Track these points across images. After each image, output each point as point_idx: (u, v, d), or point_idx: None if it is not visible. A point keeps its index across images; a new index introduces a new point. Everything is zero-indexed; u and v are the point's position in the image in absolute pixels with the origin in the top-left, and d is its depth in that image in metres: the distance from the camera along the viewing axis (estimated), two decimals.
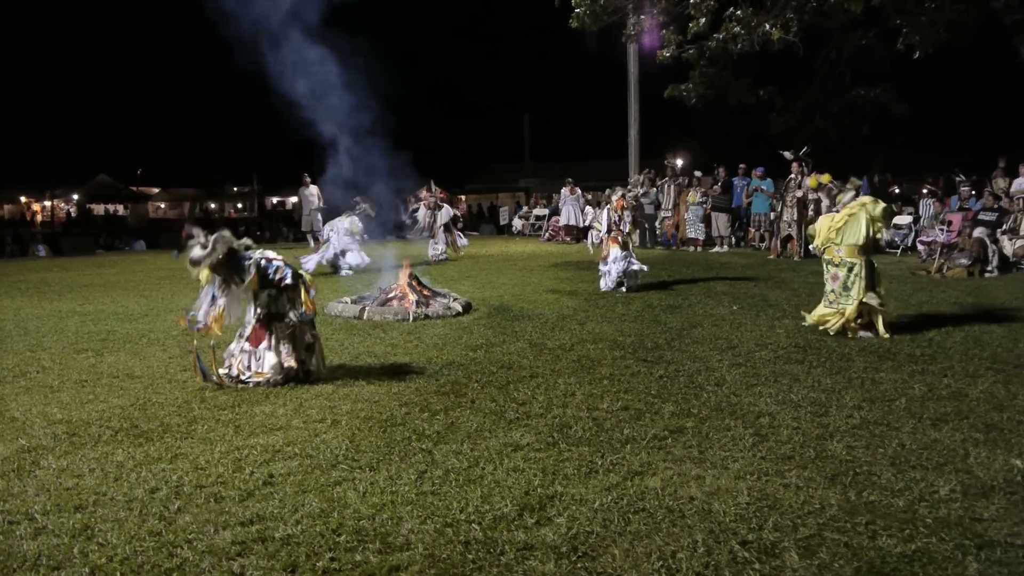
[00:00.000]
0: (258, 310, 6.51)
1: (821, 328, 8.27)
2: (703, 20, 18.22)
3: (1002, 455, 4.57)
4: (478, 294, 11.54)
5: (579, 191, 24.96)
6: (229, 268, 6.43)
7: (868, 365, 6.83)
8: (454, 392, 6.16)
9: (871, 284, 8.14)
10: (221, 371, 6.51)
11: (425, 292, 10.25)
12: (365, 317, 9.59)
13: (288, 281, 6.49)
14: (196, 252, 6.30)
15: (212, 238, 6.30)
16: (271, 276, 6.44)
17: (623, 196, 11.84)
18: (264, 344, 6.49)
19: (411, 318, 9.42)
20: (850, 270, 8.13)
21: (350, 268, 15.26)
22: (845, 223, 8.19)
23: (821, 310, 8.37)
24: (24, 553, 3.49)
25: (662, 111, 24.00)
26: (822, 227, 8.42)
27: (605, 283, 11.74)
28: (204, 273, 6.48)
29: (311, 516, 3.85)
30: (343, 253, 15.45)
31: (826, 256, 8.40)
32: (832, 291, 8.30)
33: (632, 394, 6.02)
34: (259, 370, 6.47)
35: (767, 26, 17.11)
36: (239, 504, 4.02)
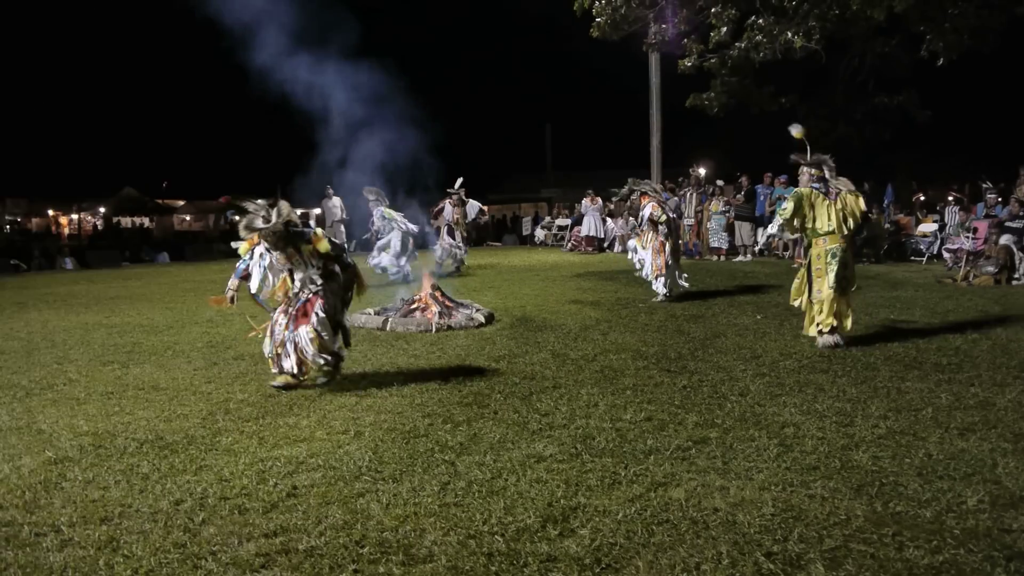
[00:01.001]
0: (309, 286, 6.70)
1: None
2: (724, 29, 18.22)
3: None
4: (500, 304, 11.54)
5: (600, 201, 24.92)
6: (287, 240, 6.54)
7: (894, 374, 6.77)
8: (477, 403, 6.16)
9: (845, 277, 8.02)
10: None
11: (448, 303, 10.27)
12: (388, 328, 9.62)
13: (350, 261, 6.83)
14: (258, 222, 6.43)
15: (275, 209, 6.45)
16: (338, 252, 6.71)
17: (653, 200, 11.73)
18: (305, 327, 6.61)
19: (434, 329, 9.44)
20: (833, 256, 7.98)
21: (384, 269, 15.16)
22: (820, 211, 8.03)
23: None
24: (50, 565, 3.52)
25: (684, 120, 23.95)
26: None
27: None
28: (244, 246, 6.76)
29: (334, 528, 3.85)
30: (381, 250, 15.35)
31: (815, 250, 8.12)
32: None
33: (655, 404, 5.99)
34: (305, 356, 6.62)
35: (789, 34, 17.08)
36: (263, 516, 4.03)
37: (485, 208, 18.03)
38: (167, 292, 15.06)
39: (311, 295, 6.69)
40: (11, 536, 3.84)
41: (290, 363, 6.64)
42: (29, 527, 3.93)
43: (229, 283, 7.00)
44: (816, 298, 8.04)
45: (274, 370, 6.78)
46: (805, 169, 8.27)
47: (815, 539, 3.62)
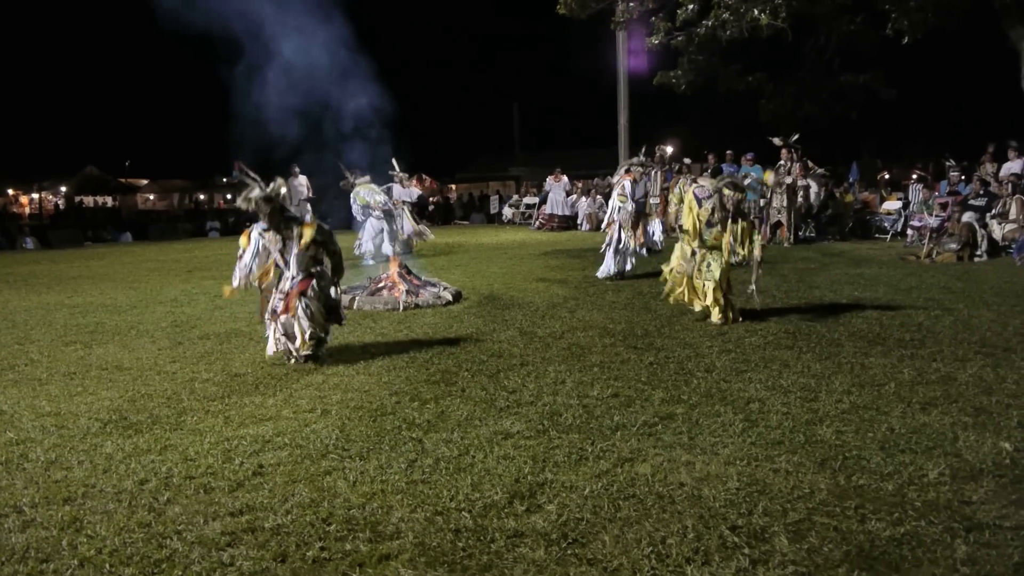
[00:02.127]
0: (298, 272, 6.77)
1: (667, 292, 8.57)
2: (692, 7, 18.22)
3: (991, 438, 4.58)
4: (468, 283, 11.52)
5: (564, 179, 24.88)
6: (281, 216, 6.71)
7: (858, 350, 6.85)
8: (444, 381, 6.15)
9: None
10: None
11: (415, 281, 10.23)
12: (355, 307, 9.57)
13: (338, 248, 6.92)
14: (255, 191, 6.57)
15: (272, 184, 6.65)
16: (325, 237, 6.77)
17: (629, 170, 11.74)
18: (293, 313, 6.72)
19: (401, 307, 9.41)
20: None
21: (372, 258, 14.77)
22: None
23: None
24: (12, 546, 3.47)
25: (651, 99, 23.99)
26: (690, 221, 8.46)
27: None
28: (243, 239, 6.85)
29: (301, 506, 3.84)
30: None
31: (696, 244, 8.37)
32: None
33: (622, 381, 6.02)
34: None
35: (756, 12, 17.10)
36: (229, 495, 4.00)
37: (418, 191, 17.32)
38: (130, 272, 14.89)
39: (303, 278, 6.73)
40: None
41: (297, 341, 6.75)
42: None
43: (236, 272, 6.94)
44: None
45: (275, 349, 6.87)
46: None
47: (779, 512, 3.65)
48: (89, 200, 47.17)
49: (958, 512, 3.62)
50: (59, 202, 45.80)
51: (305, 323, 6.70)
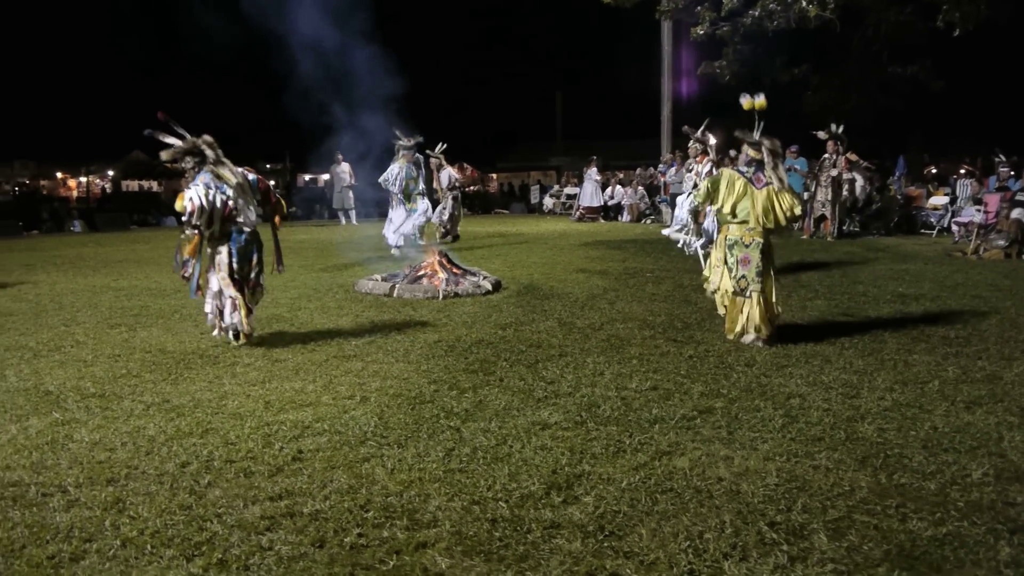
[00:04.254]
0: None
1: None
2: None
3: None
4: (508, 273, 11.53)
5: (593, 169, 24.54)
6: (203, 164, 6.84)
7: (901, 347, 6.75)
8: (483, 370, 6.16)
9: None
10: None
11: (455, 270, 10.25)
12: (395, 295, 9.62)
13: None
14: (179, 143, 6.81)
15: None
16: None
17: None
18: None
19: (440, 296, 9.44)
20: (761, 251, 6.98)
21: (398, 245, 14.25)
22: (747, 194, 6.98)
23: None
24: (57, 525, 3.54)
25: (695, 89, 23.80)
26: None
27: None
28: (189, 248, 6.98)
29: (339, 492, 3.87)
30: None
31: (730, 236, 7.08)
32: (744, 276, 6.97)
33: (661, 374, 5.99)
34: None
35: (804, 2, 16.89)
36: (268, 479, 4.05)
37: (458, 178, 16.54)
38: (174, 256, 15.05)
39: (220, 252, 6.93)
40: (18, 496, 3.87)
41: (236, 317, 6.93)
42: (36, 487, 3.96)
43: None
44: (709, 290, 7.30)
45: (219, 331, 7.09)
46: (745, 148, 7.17)
47: (819, 510, 3.62)
48: (134, 184, 47.81)
49: (1002, 513, 3.57)
50: (106, 186, 46.49)
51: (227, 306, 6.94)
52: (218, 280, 6.89)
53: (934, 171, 24.50)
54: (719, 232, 7.31)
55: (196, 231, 6.82)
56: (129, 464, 4.27)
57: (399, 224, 14.27)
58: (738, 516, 3.56)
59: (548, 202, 29.99)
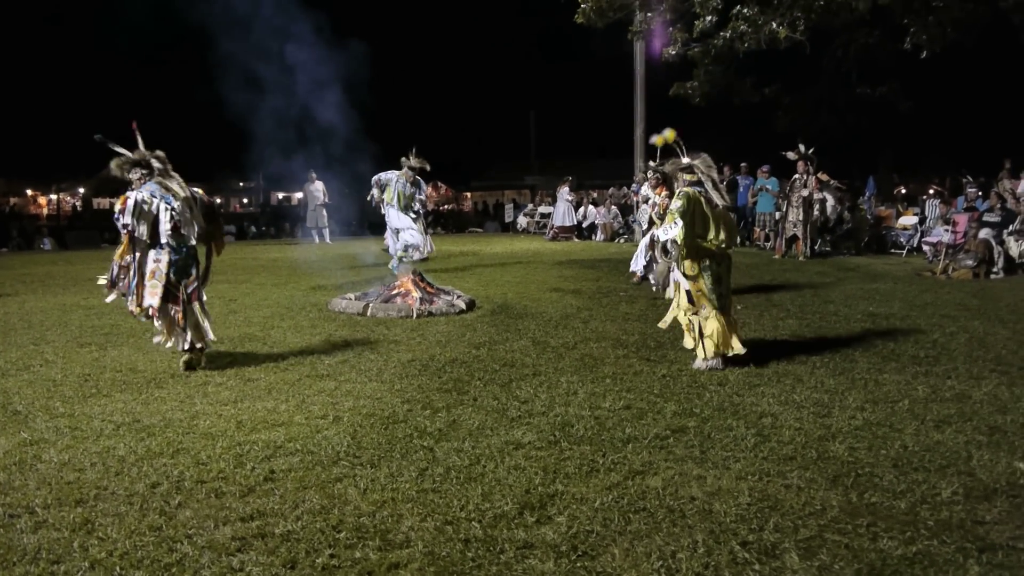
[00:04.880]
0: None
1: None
2: (710, 18, 18.20)
3: (1005, 458, 4.55)
4: (482, 292, 11.53)
5: (565, 188, 24.75)
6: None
7: (871, 366, 6.82)
8: (456, 389, 6.16)
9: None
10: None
11: (429, 289, 10.24)
12: (369, 314, 9.59)
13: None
14: (126, 156, 6.87)
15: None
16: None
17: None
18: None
19: (414, 315, 9.42)
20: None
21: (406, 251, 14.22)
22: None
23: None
24: (24, 546, 3.49)
25: (667, 110, 23.94)
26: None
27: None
28: (120, 250, 6.85)
29: (311, 512, 3.85)
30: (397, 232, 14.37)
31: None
32: (723, 295, 6.98)
33: (634, 393, 6.01)
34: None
35: (774, 24, 17.08)
36: (240, 500, 4.02)
37: (422, 199, 16.24)
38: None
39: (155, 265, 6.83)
40: None
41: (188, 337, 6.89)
42: (3, 508, 3.91)
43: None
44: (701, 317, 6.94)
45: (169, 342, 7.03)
46: (681, 175, 7.05)
47: (790, 529, 3.64)
48: (105, 202, 47.37)
49: (971, 532, 3.60)
50: (77, 203, 46.02)
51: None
52: (155, 294, 6.77)
53: (903, 191, 24.86)
54: (686, 259, 6.90)
55: (126, 230, 6.73)
56: (98, 485, 4.23)
57: (407, 228, 14.27)
58: (710, 535, 3.57)
59: (522, 221, 30.08)
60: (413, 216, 14.49)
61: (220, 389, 6.21)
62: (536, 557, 3.39)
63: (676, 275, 7.12)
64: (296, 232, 26.97)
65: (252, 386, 6.30)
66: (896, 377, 6.44)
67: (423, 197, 14.64)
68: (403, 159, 14.29)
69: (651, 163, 12.33)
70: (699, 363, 6.85)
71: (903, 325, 8.67)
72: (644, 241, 11.57)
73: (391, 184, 14.34)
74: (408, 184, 14.33)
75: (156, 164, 6.85)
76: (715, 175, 7.03)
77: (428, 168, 14.58)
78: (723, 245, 6.88)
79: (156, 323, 6.91)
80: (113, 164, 6.89)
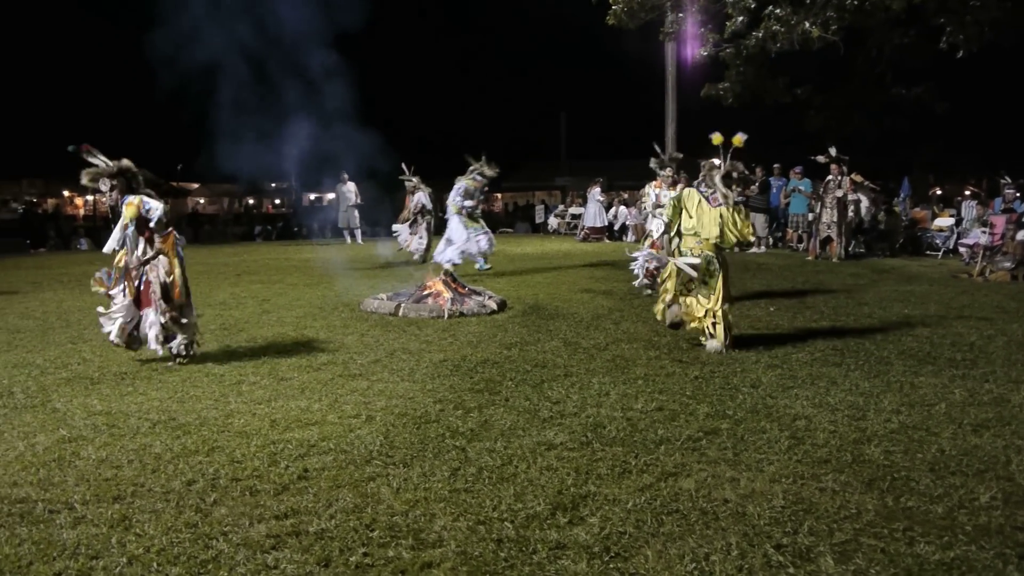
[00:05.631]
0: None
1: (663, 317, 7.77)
2: (741, 19, 18.12)
3: None
4: (513, 292, 11.54)
5: (596, 189, 24.66)
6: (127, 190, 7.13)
7: (907, 369, 6.75)
8: (488, 390, 6.17)
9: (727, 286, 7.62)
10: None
11: (460, 290, 10.27)
12: (400, 314, 9.63)
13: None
14: (101, 167, 7.10)
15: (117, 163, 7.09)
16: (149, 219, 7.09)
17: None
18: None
19: (446, 315, 9.45)
20: (708, 263, 7.48)
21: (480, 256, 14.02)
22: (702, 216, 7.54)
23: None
24: (64, 541, 3.54)
25: (699, 110, 23.81)
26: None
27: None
28: (130, 210, 7.12)
29: (345, 511, 3.87)
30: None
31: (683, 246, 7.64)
32: (691, 279, 7.52)
33: (667, 394, 5.99)
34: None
35: (807, 24, 16.96)
36: (274, 498, 4.05)
37: (425, 203, 16.35)
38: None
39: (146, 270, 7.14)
40: (25, 513, 3.88)
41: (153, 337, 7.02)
42: (43, 504, 3.97)
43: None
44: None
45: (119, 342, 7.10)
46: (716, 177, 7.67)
47: (825, 532, 3.61)
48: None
49: (1010, 538, 3.56)
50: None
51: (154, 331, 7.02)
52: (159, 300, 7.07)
53: (939, 192, 24.56)
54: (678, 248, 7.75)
55: (169, 231, 7.23)
56: (135, 482, 4.28)
57: (460, 243, 13.85)
58: (744, 538, 3.55)
59: (553, 222, 30.05)
60: (479, 221, 14.25)
61: (254, 388, 6.26)
62: (569, 558, 3.38)
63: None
64: (327, 232, 27.15)
65: (286, 385, 6.35)
66: (932, 380, 6.37)
67: (471, 204, 14.37)
68: (474, 166, 13.96)
69: (676, 155, 12.21)
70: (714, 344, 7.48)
71: (939, 328, 8.57)
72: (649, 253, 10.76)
73: (458, 192, 14.03)
74: (477, 191, 14.08)
75: (128, 177, 7.15)
76: (716, 176, 7.67)
77: (496, 172, 14.33)
78: (705, 239, 7.51)
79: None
80: (85, 175, 7.16)
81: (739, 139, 7.69)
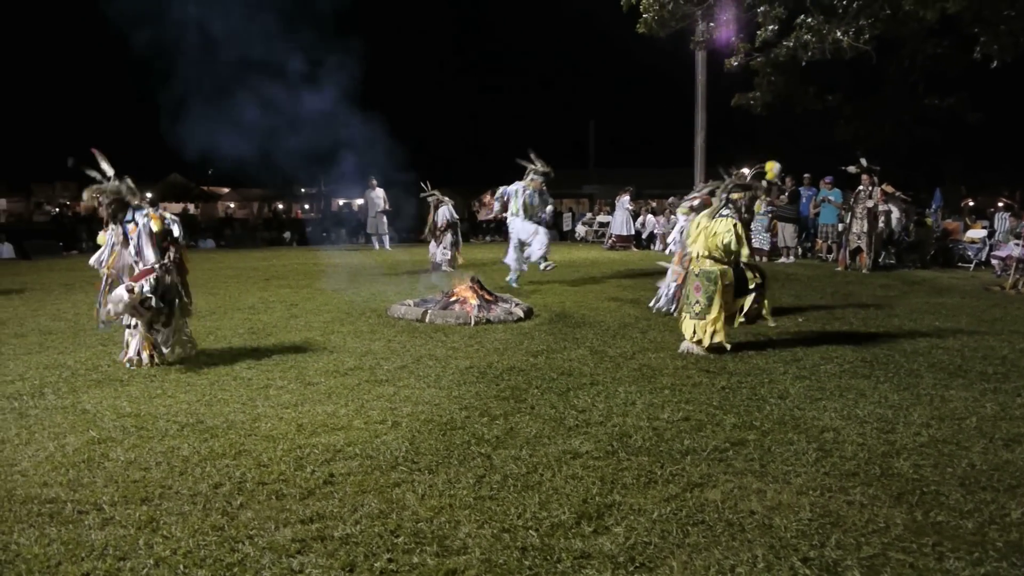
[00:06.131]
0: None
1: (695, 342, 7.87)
2: (772, 27, 18.04)
3: None
4: (540, 300, 11.54)
5: (625, 197, 24.61)
6: (123, 207, 7.31)
7: (937, 382, 6.67)
8: (514, 397, 6.16)
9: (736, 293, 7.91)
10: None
11: (487, 297, 10.28)
12: (427, 320, 9.65)
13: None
14: (101, 183, 7.24)
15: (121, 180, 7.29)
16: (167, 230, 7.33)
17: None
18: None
19: (472, 322, 9.46)
20: (711, 280, 7.79)
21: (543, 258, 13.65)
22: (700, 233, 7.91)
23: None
24: (92, 542, 3.58)
25: (729, 120, 23.75)
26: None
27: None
28: (102, 235, 7.42)
29: (370, 516, 3.88)
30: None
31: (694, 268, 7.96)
32: (697, 302, 7.84)
33: (693, 405, 5.96)
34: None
35: (838, 33, 16.87)
36: (300, 502, 4.07)
37: (448, 217, 16.72)
38: (210, 278, 15.23)
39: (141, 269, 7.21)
40: (55, 513, 3.92)
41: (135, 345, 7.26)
42: (72, 505, 4.01)
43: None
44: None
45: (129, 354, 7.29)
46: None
47: (853, 546, 3.57)
48: (174, 207, 48.35)
49: None
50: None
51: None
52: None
53: (971, 204, 24.27)
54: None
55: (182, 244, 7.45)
56: (163, 484, 4.32)
57: (538, 235, 13.69)
58: (770, 551, 3.52)
59: (580, 230, 30.05)
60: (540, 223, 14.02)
61: (281, 392, 6.30)
62: (593, 567, 3.37)
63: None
64: (359, 238, 27.30)
65: (312, 390, 6.38)
66: (963, 394, 6.29)
67: (552, 207, 14.08)
68: (528, 166, 13.72)
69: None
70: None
71: (971, 340, 8.47)
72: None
73: (516, 196, 13.77)
74: (535, 193, 13.79)
75: (127, 193, 7.31)
76: (719, 188, 8.12)
77: (551, 171, 14.01)
78: (699, 255, 7.91)
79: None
80: (86, 193, 7.39)
81: (772, 171, 7.91)
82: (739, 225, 7.80)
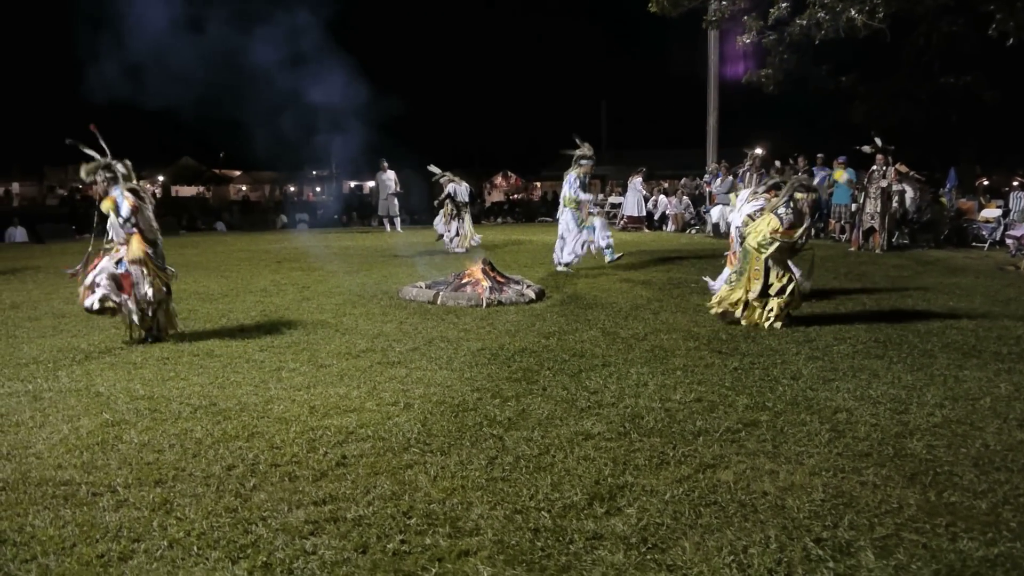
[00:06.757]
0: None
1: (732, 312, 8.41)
2: (785, 5, 17.88)
3: None
4: (551, 281, 11.53)
5: (638, 179, 24.49)
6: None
7: (951, 362, 6.63)
8: (526, 379, 6.16)
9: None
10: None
11: (499, 278, 10.27)
12: (439, 302, 9.66)
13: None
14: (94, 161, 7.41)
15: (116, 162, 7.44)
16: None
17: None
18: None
19: (484, 304, 9.46)
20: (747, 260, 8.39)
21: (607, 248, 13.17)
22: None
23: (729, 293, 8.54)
24: (106, 524, 3.60)
25: (742, 99, 23.59)
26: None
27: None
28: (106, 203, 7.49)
29: (382, 498, 3.89)
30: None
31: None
32: (736, 271, 8.62)
33: (705, 386, 5.95)
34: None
35: (852, 12, 16.70)
36: (312, 484, 4.08)
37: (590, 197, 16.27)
38: (223, 261, 15.27)
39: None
40: (69, 495, 3.94)
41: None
42: (86, 487, 4.03)
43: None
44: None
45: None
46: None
47: (866, 527, 3.57)
48: (184, 190, 48.51)
49: None
50: (157, 191, 47.21)
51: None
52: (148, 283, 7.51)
53: (986, 183, 24.07)
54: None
55: (136, 230, 7.51)
56: (177, 466, 4.34)
57: (571, 242, 13.37)
58: (783, 531, 3.52)
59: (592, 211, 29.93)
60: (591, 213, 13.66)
61: (293, 375, 6.32)
62: (606, 548, 3.37)
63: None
64: (372, 221, 27.32)
65: (325, 372, 6.39)
66: (977, 374, 6.26)
67: (589, 197, 13.83)
68: (575, 153, 13.42)
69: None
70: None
71: (985, 321, 8.42)
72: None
73: (570, 186, 13.56)
74: (587, 177, 13.51)
75: (121, 170, 7.44)
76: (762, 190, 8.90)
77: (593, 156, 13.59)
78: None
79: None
80: (84, 170, 7.50)
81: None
82: (779, 232, 8.07)
